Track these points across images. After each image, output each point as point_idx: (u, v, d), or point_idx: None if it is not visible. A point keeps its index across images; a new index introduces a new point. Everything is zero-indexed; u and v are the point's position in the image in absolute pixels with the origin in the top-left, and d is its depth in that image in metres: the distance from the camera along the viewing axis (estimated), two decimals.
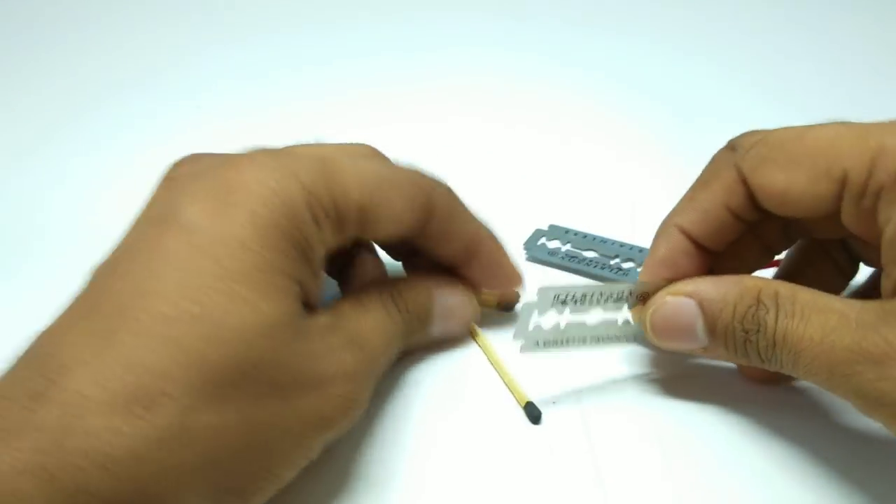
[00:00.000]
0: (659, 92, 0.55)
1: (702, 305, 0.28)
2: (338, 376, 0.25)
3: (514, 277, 0.34)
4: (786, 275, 0.32)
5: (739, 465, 0.29)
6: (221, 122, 0.51)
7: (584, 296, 0.30)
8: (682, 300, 0.29)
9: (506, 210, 0.44)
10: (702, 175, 0.30)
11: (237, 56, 0.58)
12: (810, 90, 0.54)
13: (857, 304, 0.24)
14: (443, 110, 0.54)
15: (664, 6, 0.62)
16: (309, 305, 0.25)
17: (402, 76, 0.57)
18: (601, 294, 0.30)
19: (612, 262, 0.39)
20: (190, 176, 0.25)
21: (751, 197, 0.28)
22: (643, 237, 0.36)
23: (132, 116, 0.52)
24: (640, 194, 0.45)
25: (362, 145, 0.30)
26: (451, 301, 0.32)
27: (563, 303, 0.29)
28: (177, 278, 0.21)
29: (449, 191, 0.30)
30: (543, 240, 0.41)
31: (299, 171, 0.24)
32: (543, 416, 0.30)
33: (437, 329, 0.32)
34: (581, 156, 0.49)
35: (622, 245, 0.40)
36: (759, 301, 0.26)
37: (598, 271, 0.39)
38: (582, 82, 0.56)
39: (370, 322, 0.28)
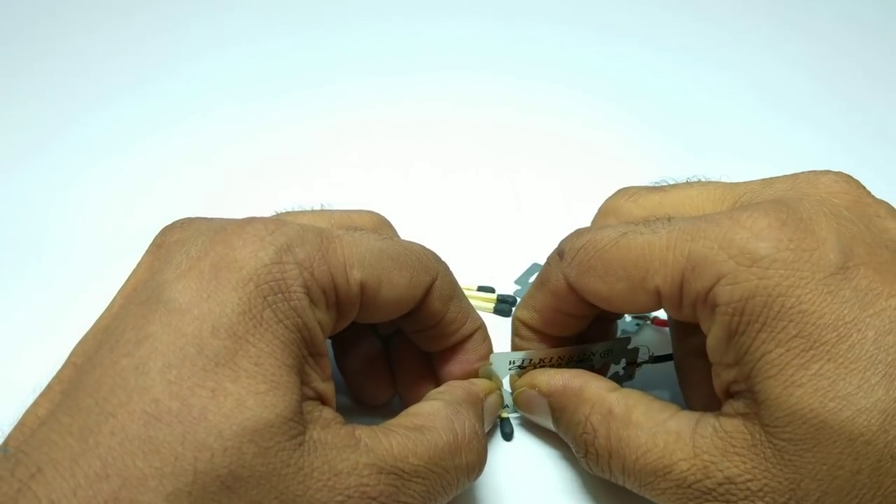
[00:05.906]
0: (661, 119, 0.51)
1: (550, 405, 0.28)
2: None
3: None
4: (679, 332, 0.29)
5: None
6: (222, 125, 0.50)
7: (541, 360, 0.30)
8: (534, 394, 0.28)
9: (502, 243, 0.42)
10: (539, 274, 0.29)
11: (239, 60, 0.57)
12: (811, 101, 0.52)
13: (693, 420, 0.24)
14: (435, 139, 0.50)
15: (651, 25, 0.60)
16: (322, 400, 0.23)
17: (390, 101, 0.53)
18: (560, 357, 0.30)
19: None
20: (178, 244, 0.23)
21: (584, 299, 0.27)
22: None
23: (136, 119, 0.51)
24: None
25: (368, 214, 0.29)
26: (490, 400, 0.29)
27: (521, 367, 0.30)
28: (159, 370, 0.20)
29: (449, 271, 0.29)
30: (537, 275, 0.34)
31: (294, 246, 0.23)
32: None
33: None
34: (580, 186, 0.46)
35: None
36: (587, 421, 0.26)
37: None
38: (580, 106, 0.53)
39: (425, 447, 0.24)
